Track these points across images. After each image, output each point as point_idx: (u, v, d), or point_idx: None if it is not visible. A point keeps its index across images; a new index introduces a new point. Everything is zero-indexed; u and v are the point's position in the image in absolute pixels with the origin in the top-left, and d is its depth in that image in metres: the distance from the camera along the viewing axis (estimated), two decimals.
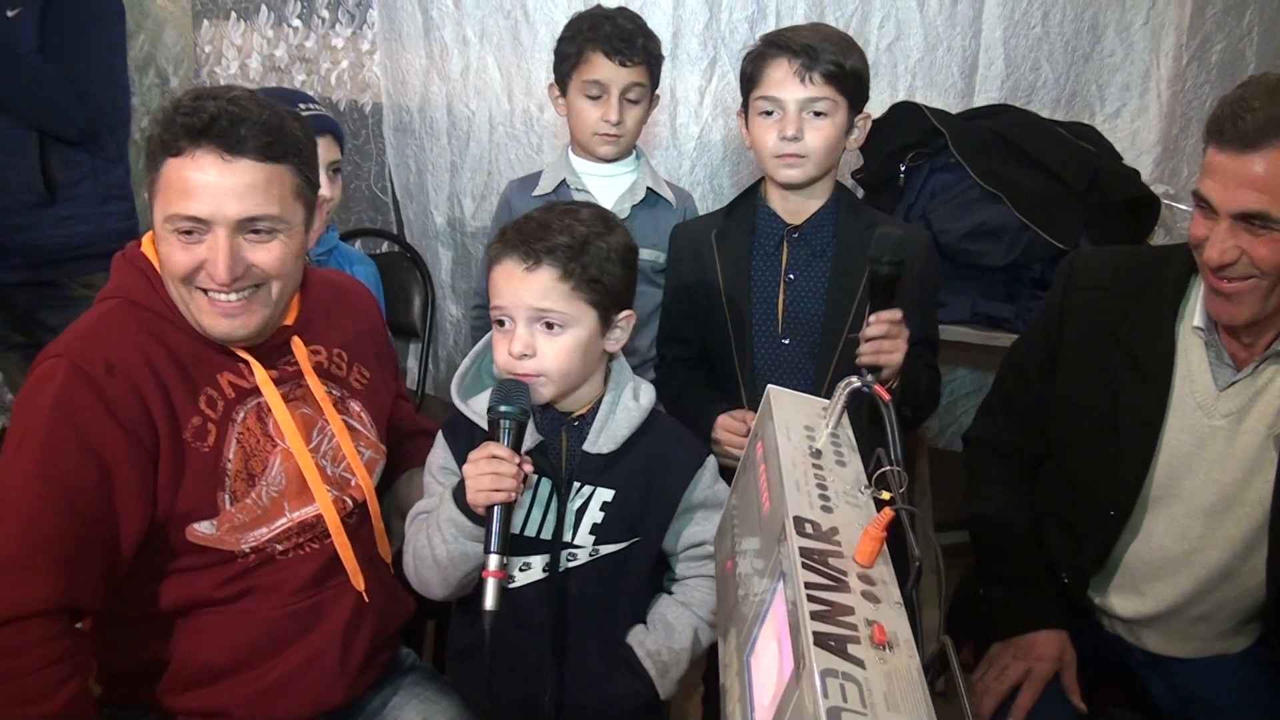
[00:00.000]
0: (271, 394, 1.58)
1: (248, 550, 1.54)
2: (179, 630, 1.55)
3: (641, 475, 1.60)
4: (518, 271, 1.52)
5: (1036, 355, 1.86)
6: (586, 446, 1.58)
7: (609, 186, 2.35)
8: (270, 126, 1.46)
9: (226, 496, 1.52)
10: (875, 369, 1.70)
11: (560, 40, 2.31)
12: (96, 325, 1.50)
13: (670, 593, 1.68)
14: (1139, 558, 1.74)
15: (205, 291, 1.49)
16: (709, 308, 2.03)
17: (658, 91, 2.36)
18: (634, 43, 2.23)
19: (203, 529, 1.51)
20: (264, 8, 3.07)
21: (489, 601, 1.42)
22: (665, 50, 2.81)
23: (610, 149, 2.31)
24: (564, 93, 2.32)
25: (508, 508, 1.45)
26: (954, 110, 2.77)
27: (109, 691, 1.61)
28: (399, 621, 1.75)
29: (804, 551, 1.03)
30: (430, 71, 3.03)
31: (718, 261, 2.03)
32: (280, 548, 1.57)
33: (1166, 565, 1.71)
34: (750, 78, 1.98)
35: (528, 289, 1.51)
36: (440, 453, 1.64)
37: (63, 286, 2.64)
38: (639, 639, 1.62)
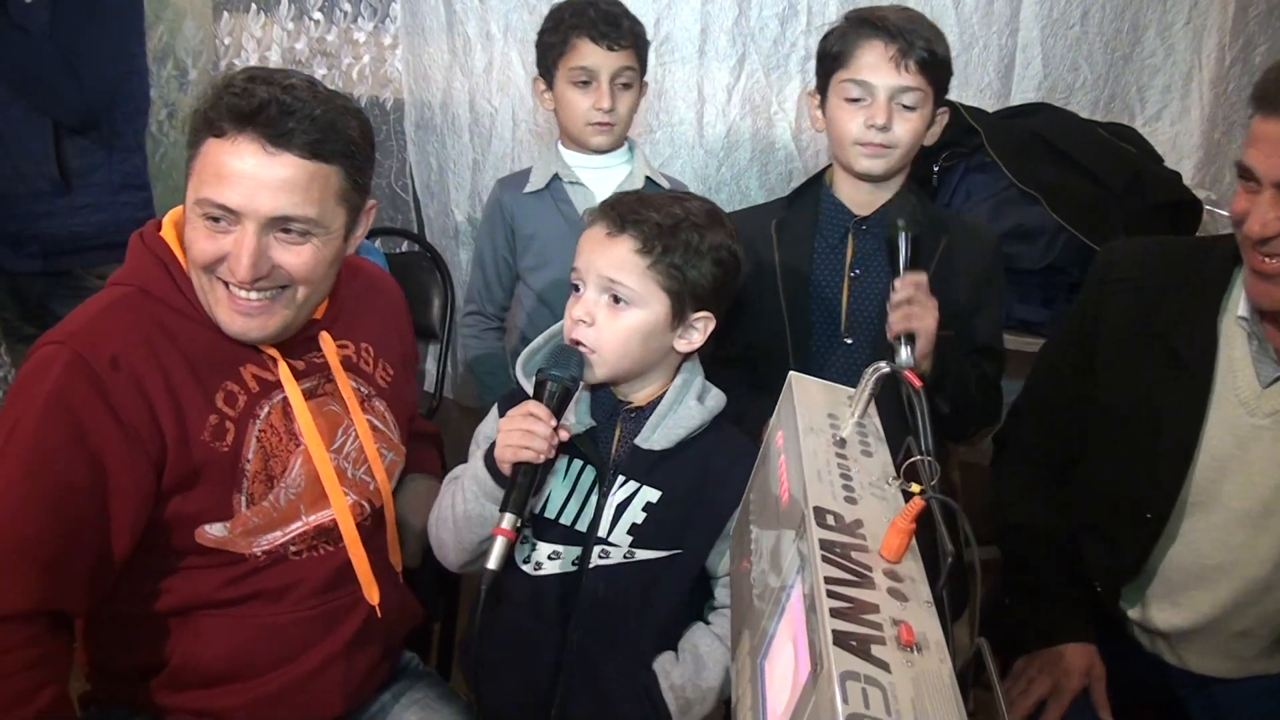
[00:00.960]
0: (294, 392, 1.49)
1: (259, 553, 1.46)
2: (177, 630, 1.46)
3: (693, 482, 1.51)
4: (600, 235, 1.47)
5: (1070, 352, 1.76)
6: (639, 440, 1.50)
7: (605, 178, 2.26)
8: (323, 123, 1.37)
9: (243, 499, 1.44)
10: (909, 337, 1.63)
11: (541, 32, 2.23)
12: (104, 314, 1.40)
13: (708, 622, 1.58)
14: (1176, 566, 1.64)
15: (226, 285, 1.40)
16: (762, 304, 1.91)
17: (646, 78, 2.27)
18: (620, 25, 2.14)
19: (214, 531, 1.43)
20: (285, 0, 3.02)
21: (492, 560, 1.33)
22: (693, 47, 2.77)
23: (604, 139, 2.21)
24: (550, 85, 2.24)
25: (533, 470, 1.37)
26: (990, 110, 2.69)
27: (97, 688, 1.53)
28: (406, 630, 1.67)
29: (824, 544, 0.95)
30: (453, 67, 2.98)
31: (776, 254, 1.91)
32: (294, 549, 1.49)
33: (1205, 575, 1.62)
34: (836, 57, 1.85)
35: (604, 255, 1.46)
36: (491, 423, 1.58)
37: (76, 276, 2.60)
38: (665, 668, 1.51)
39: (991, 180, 2.52)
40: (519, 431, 1.36)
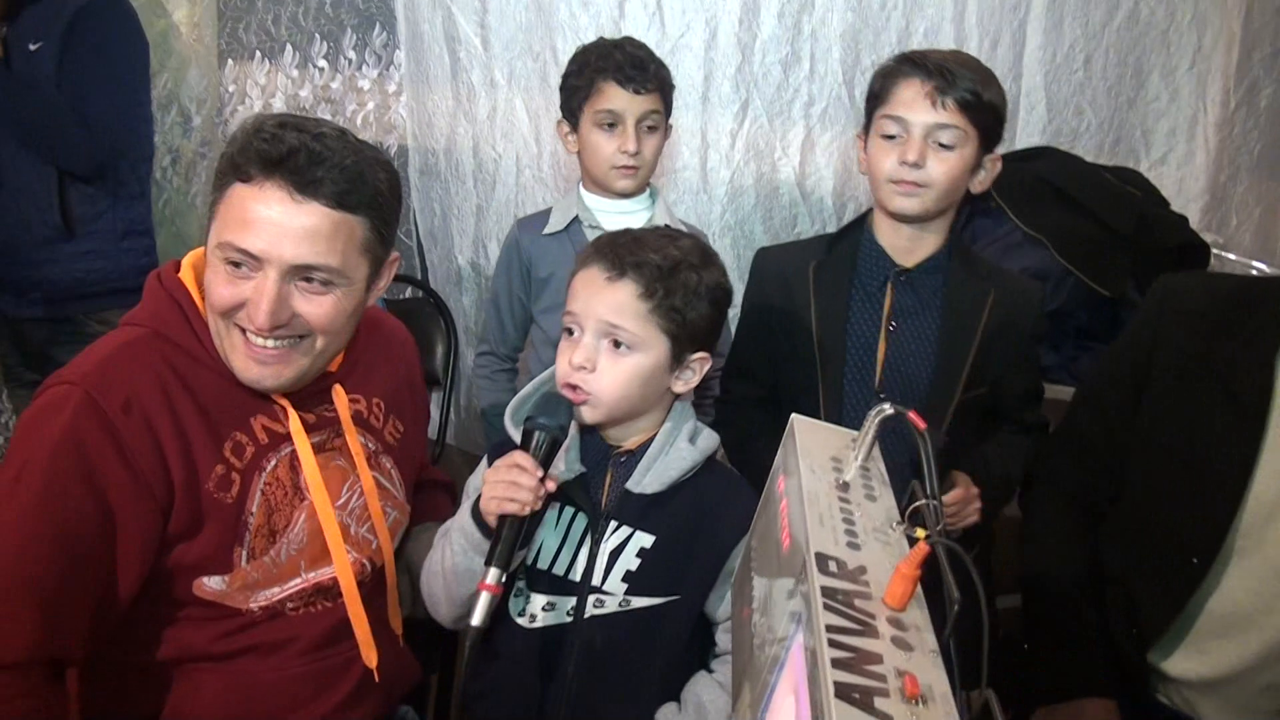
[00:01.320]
0: (304, 446, 1.47)
1: (256, 609, 1.43)
2: (169, 682, 1.43)
3: (687, 525, 1.48)
4: (599, 279, 1.44)
5: (1120, 387, 1.72)
6: (630, 485, 1.47)
7: (624, 223, 2.20)
8: (352, 173, 1.36)
9: (244, 553, 1.41)
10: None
11: (566, 75, 2.23)
12: (117, 355, 1.38)
13: (710, 670, 1.53)
14: (1209, 611, 1.59)
15: (243, 331, 1.39)
16: (795, 348, 1.87)
17: (671, 121, 2.27)
18: (646, 69, 2.14)
19: (211, 584, 1.40)
20: (289, 48, 3.03)
21: (476, 616, 1.28)
22: (696, 93, 2.78)
23: (629, 182, 2.20)
24: (575, 128, 2.24)
25: (519, 522, 1.33)
26: None
27: None
28: (404, 690, 1.63)
29: (826, 591, 0.92)
30: (457, 113, 2.98)
31: (813, 297, 1.87)
32: (291, 605, 1.46)
33: (1235, 623, 1.57)
34: (877, 95, 1.82)
35: (604, 300, 1.43)
36: (481, 474, 1.54)
37: (78, 323, 2.59)
38: (666, 719, 1.48)
39: (997, 224, 2.51)
40: (504, 483, 1.33)
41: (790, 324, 1.88)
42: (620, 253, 1.45)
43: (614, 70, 2.13)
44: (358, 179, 1.36)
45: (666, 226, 1.69)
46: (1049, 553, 1.75)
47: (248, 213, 1.33)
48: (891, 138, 1.78)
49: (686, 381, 1.51)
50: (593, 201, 2.26)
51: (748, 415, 1.96)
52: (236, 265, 1.35)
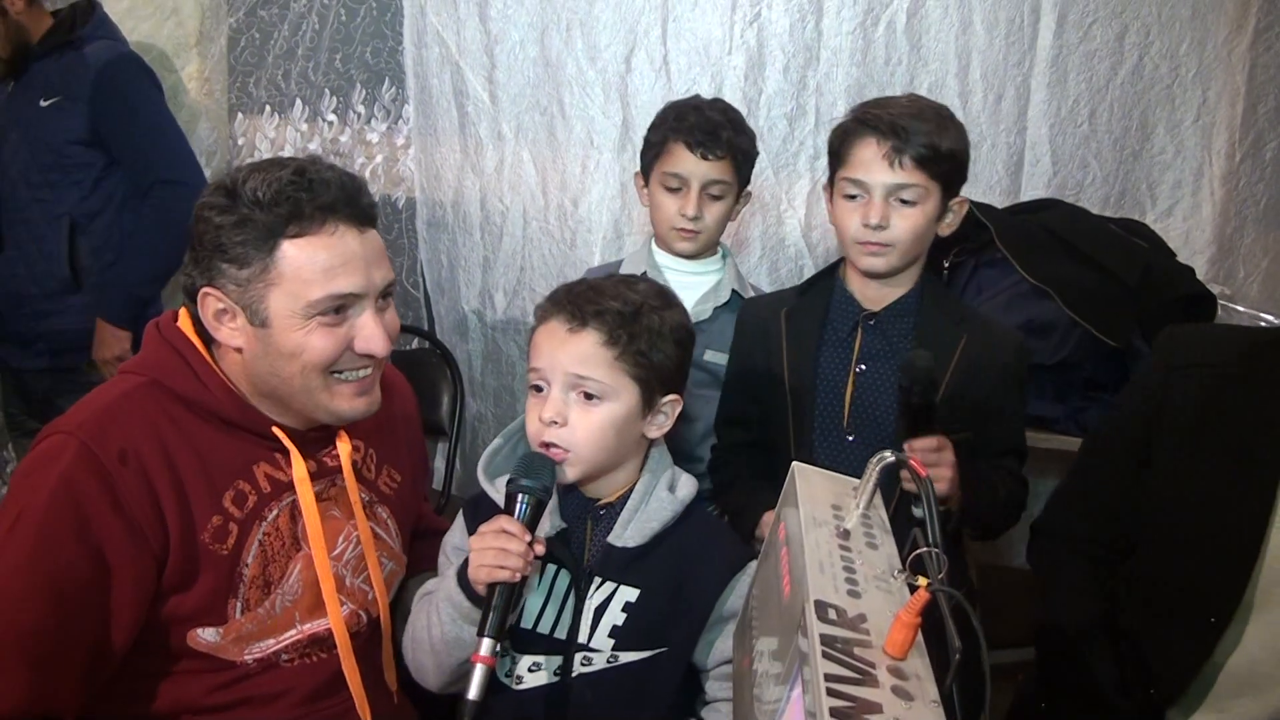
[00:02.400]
0: (306, 494, 1.46)
1: (250, 661, 1.42)
2: None
3: (672, 576, 1.46)
4: (560, 332, 1.43)
5: (1127, 441, 1.69)
6: (612, 539, 1.45)
7: (692, 284, 2.21)
8: (364, 188, 1.42)
9: (239, 605, 1.40)
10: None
11: (649, 129, 2.23)
12: (115, 405, 1.38)
13: (700, 718, 1.51)
14: (1228, 670, 1.56)
15: (341, 374, 1.41)
16: (770, 392, 1.89)
17: (749, 189, 2.25)
18: (718, 136, 2.11)
19: (205, 636, 1.39)
20: (299, 102, 3.08)
21: (473, 690, 1.25)
22: None
23: (688, 245, 2.18)
24: (647, 182, 2.24)
25: (510, 589, 1.31)
26: (999, 206, 2.69)
27: None
28: None
29: (825, 639, 0.91)
30: (465, 166, 3.02)
31: (784, 343, 1.89)
32: (285, 657, 1.45)
33: (1255, 680, 1.53)
34: (837, 154, 1.83)
35: (568, 352, 1.42)
36: (459, 532, 1.53)
37: (82, 372, 2.61)
38: None
39: (1002, 275, 2.49)
40: (492, 550, 1.31)
41: (768, 371, 1.90)
42: (579, 302, 1.44)
43: (685, 132, 2.12)
44: (369, 192, 1.43)
45: (630, 275, 1.67)
46: (1065, 605, 1.72)
47: (332, 260, 1.35)
48: (853, 198, 1.80)
49: (660, 426, 1.50)
50: (662, 259, 2.25)
51: (736, 461, 1.97)
52: (337, 311, 1.38)
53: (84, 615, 1.29)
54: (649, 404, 1.47)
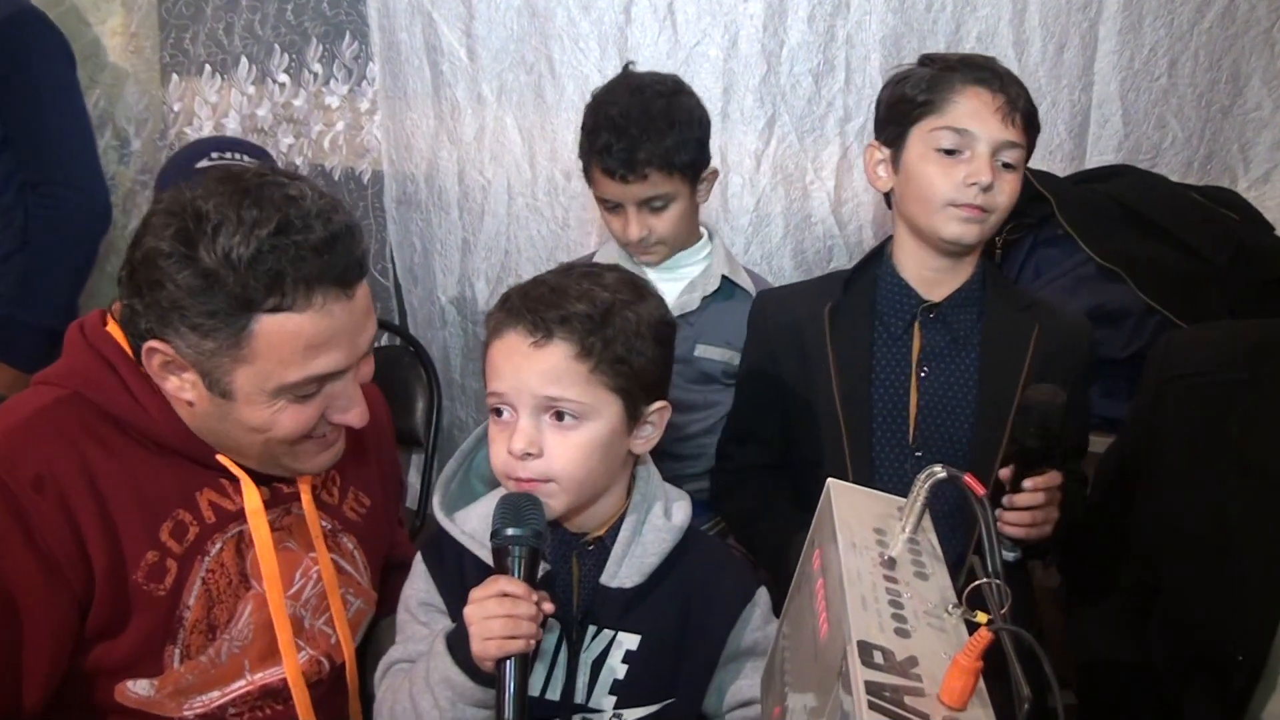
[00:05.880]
0: (260, 526, 1.46)
1: (190, 717, 1.42)
2: None
3: (676, 615, 1.46)
4: (522, 347, 1.40)
5: (1129, 470, 1.73)
6: (604, 579, 1.44)
7: (676, 275, 2.26)
8: (358, 236, 1.38)
9: (177, 653, 1.40)
10: (1022, 543, 1.62)
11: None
12: (30, 423, 1.37)
13: None
14: (1269, 714, 1.56)
15: (310, 438, 1.42)
16: (812, 406, 1.87)
17: (714, 167, 2.27)
18: (634, 157, 2.09)
19: (137, 689, 1.39)
20: (245, 60, 3.07)
21: None
22: (715, 109, 2.79)
23: (651, 257, 2.23)
24: None
25: (524, 660, 1.29)
26: (1062, 174, 2.69)
27: None
28: None
29: (871, 687, 0.91)
30: (439, 134, 3.01)
31: (829, 345, 1.87)
32: (233, 710, 1.44)
33: None
34: (925, 103, 1.81)
35: (534, 370, 1.39)
36: (421, 583, 1.51)
37: None
38: None
39: (1065, 255, 2.50)
40: (500, 619, 1.28)
41: (807, 380, 1.88)
42: (539, 308, 1.40)
43: (599, 156, 2.13)
44: (362, 237, 1.40)
45: (587, 264, 1.65)
46: (1097, 645, 1.75)
47: (312, 339, 1.33)
48: (951, 153, 1.79)
49: (648, 438, 1.49)
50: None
51: (753, 484, 1.95)
52: (313, 394, 1.38)
53: None
54: (634, 415, 1.45)
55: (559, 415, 1.40)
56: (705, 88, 2.79)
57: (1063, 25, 2.74)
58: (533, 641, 1.29)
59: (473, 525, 1.45)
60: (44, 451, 1.34)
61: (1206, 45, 2.72)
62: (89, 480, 1.35)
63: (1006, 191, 1.78)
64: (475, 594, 1.32)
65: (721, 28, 2.81)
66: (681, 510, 1.51)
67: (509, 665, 1.28)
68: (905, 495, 1.25)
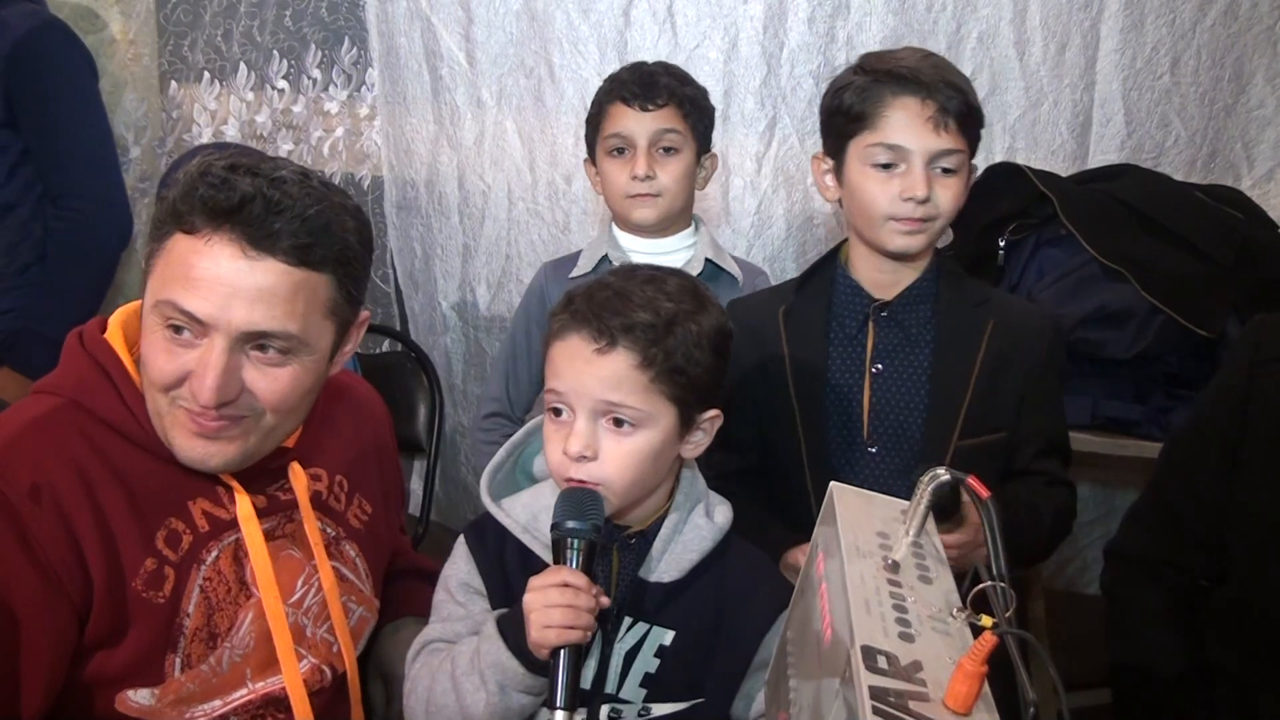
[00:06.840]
0: (254, 533, 1.45)
1: None
2: None
3: (711, 616, 1.47)
4: (585, 352, 1.40)
5: (1209, 451, 1.69)
6: (643, 573, 1.46)
7: (661, 261, 2.21)
8: (315, 224, 1.35)
9: (178, 661, 1.39)
10: None
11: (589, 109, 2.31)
12: (26, 432, 1.36)
13: None
14: None
15: (178, 399, 1.37)
16: (773, 405, 1.89)
17: (715, 150, 2.31)
18: (656, 84, 2.19)
19: (138, 699, 1.38)
20: (244, 67, 3.07)
21: None
22: (716, 111, 2.78)
23: (647, 211, 2.22)
24: (595, 160, 2.29)
25: (577, 651, 1.31)
26: (1063, 174, 2.68)
27: None
28: None
29: (875, 692, 0.90)
30: (439, 139, 3.02)
31: (785, 346, 1.89)
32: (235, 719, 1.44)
33: None
34: (858, 117, 1.81)
35: (596, 375, 1.40)
36: (463, 565, 1.52)
37: None
38: None
39: (1068, 255, 2.50)
40: (560, 609, 1.30)
41: (767, 380, 1.89)
42: (604, 315, 1.41)
43: (619, 89, 2.19)
44: (323, 230, 1.35)
45: (650, 266, 1.66)
46: (1142, 642, 1.72)
47: (192, 269, 1.31)
48: (886, 167, 1.79)
49: (698, 444, 1.51)
50: (628, 241, 2.29)
51: (735, 492, 1.94)
52: (178, 330, 1.33)
53: None
54: (687, 423, 1.47)
55: (617, 421, 1.41)
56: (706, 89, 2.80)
57: (1064, 25, 2.76)
58: (588, 633, 1.32)
59: (518, 513, 1.47)
60: (41, 461, 1.33)
61: (1209, 43, 2.74)
62: (86, 488, 1.35)
63: (948, 197, 1.79)
64: (535, 582, 1.34)
65: (721, 30, 2.82)
66: (723, 513, 1.52)
67: (563, 654, 1.30)
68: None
